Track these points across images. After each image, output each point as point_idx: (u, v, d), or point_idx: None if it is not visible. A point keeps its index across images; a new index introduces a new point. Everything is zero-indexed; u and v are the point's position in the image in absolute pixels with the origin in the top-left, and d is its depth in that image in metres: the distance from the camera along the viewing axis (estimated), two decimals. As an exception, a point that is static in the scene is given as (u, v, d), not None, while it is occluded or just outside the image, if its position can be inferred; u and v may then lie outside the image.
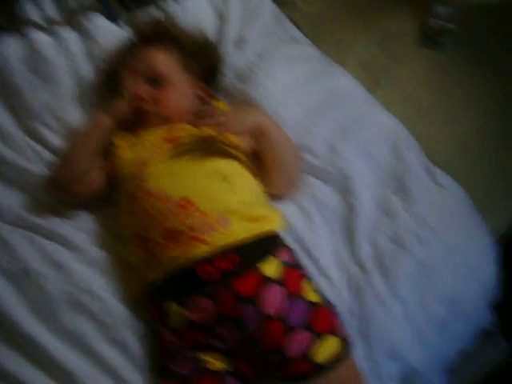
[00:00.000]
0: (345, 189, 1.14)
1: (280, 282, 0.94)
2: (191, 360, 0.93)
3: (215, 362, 0.93)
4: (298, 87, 1.25)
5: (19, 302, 1.01)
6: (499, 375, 1.53)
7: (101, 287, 1.03)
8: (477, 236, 1.15)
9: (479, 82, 1.38)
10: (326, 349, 0.93)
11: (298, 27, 1.42)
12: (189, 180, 1.00)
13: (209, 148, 1.06)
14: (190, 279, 0.93)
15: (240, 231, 0.95)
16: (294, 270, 1.00)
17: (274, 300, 0.93)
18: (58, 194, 1.11)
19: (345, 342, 0.97)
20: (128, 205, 1.03)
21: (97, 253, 1.08)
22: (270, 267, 0.95)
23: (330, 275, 1.06)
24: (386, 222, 1.12)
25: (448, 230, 1.12)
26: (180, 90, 1.17)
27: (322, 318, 0.97)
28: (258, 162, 1.12)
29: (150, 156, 1.05)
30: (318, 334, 0.95)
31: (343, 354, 0.95)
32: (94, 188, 1.09)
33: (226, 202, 0.98)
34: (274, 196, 1.13)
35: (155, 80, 1.14)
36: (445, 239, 1.10)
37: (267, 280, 0.93)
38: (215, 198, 0.98)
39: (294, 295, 0.95)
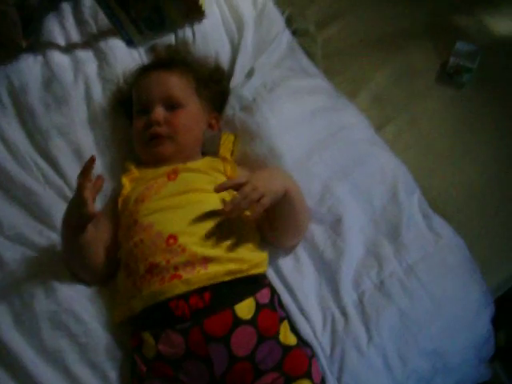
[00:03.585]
0: (335, 230, 1.11)
1: (253, 324, 0.94)
2: None
3: None
4: (303, 122, 1.23)
5: (4, 313, 1.05)
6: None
7: (84, 309, 1.05)
8: (470, 290, 1.09)
9: (494, 125, 1.32)
10: None
11: (313, 59, 1.41)
12: (180, 218, 1.01)
13: (206, 187, 1.06)
14: (166, 314, 0.94)
15: (220, 273, 0.96)
16: (271, 312, 0.99)
17: (243, 341, 0.93)
18: None
19: None
20: (123, 237, 1.06)
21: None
22: (244, 308, 0.94)
23: (311, 318, 1.04)
24: (373, 268, 1.08)
25: (438, 282, 1.07)
26: (194, 114, 1.19)
27: (296, 361, 0.96)
28: (269, 215, 1.08)
29: (147, 190, 1.08)
30: (290, 378, 0.94)
31: None
32: (99, 263, 1.08)
33: (213, 244, 0.99)
34: (272, 243, 1.11)
35: (170, 104, 1.16)
36: (433, 292, 1.05)
37: (239, 321, 0.93)
38: (202, 239, 0.99)
39: (267, 337, 0.95)
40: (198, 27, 1.39)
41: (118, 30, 1.35)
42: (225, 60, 1.38)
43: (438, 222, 1.16)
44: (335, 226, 1.12)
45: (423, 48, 1.46)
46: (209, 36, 1.39)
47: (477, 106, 1.35)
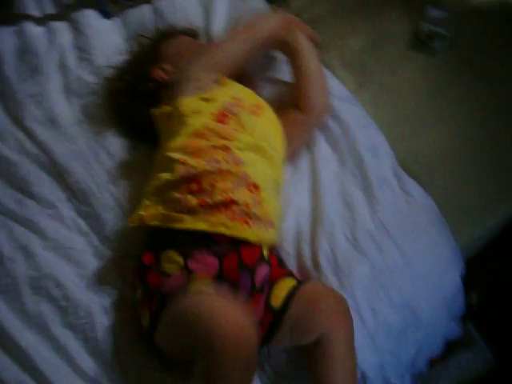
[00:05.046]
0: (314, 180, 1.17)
1: (268, 263, 1.02)
2: None
3: None
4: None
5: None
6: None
7: (64, 274, 1.07)
8: (440, 248, 1.14)
9: (466, 90, 1.34)
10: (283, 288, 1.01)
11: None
12: (264, 172, 1.04)
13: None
14: (205, 236, 0.96)
15: (272, 240, 1.04)
16: (275, 257, 1.08)
17: (262, 275, 1.00)
18: None
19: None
20: (193, 144, 1.02)
21: (67, 241, 1.13)
22: (265, 250, 1.02)
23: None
24: (347, 221, 1.13)
25: (409, 239, 1.12)
26: None
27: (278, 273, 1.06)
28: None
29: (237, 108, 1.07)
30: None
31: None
32: None
33: (276, 213, 1.05)
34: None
35: None
36: (404, 248, 1.10)
37: (263, 258, 1.00)
38: (274, 204, 1.04)
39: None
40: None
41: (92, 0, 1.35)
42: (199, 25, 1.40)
43: (410, 182, 1.20)
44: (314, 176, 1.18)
45: (395, 14, 1.46)
46: (182, 3, 1.39)
47: (450, 71, 1.37)
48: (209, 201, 0.96)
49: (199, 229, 0.95)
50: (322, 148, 1.22)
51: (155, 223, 0.99)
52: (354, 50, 1.41)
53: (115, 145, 1.22)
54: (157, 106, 1.12)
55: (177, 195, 0.98)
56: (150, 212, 1.00)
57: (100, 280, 1.10)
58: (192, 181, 0.98)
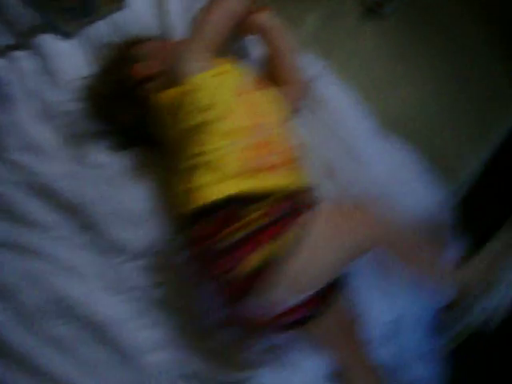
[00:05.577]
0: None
1: None
2: None
3: None
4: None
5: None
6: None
7: (78, 292, 1.10)
8: (429, 196, 1.20)
9: (425, 45, 1.42)
10: None
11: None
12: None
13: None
14: None
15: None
16: None
17: None
18: None
19: None
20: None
21: (71, 259, 1.15)
22: None
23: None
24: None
25: (398, 191, 1.17)
26: None
27: None
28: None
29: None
30: None
31: None
32: None
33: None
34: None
35: None
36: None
37: None
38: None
39: None
40: (127, 11, 1.41)
41: (49, 24, 1.36)
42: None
43: (393, 140, 1.26)
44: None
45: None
46: (137, 14, 1.42)
47: (406, 30, 1.44)
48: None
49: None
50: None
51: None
52: (310, 28, 1.46)
53: (100, 159, 1.24)
54: (144, 102, 1.14)
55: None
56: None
57: (115, 288, 1.11)
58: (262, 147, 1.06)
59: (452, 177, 1.28)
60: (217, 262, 0.96)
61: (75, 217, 1.18)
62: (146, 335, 1.09)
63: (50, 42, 1.38)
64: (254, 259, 0.93)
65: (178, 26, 1.42)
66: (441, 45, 1.43)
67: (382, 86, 1.39)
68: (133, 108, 1.17)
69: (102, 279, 1.13)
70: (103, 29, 1.42)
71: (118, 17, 1.42)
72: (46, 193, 1.20)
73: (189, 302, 1.12)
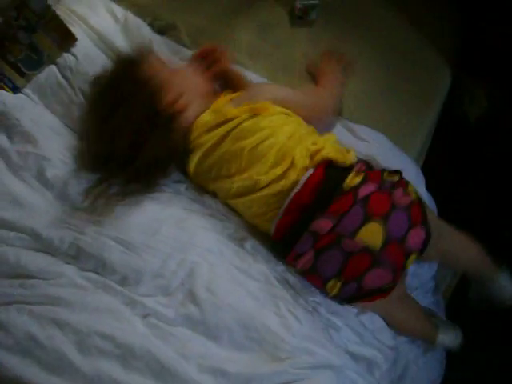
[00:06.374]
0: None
1: None
2: None
3: None
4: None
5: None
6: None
7: (104, 326, 1.12)
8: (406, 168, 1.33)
9: (355, 41, 1.56)
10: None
11: (185, 44, 1.55)
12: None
13: None
14: None
15: None
16: None
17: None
18: None
19: None
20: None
21: (87, 298, 1.16)
22: None
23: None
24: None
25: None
26: None
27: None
28: None
29: None
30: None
31: None
32: None
33: None
34: None
35: None
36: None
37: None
38: None
39: None
40: (75, 50, 1.44)
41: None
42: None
43: (361, 129, 1.40)
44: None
45: (270, 2, 1.65)
46: (89, 53, 1.45)
47: (335, 31, 1.58)
48: None
49: None
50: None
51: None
52: (246, 41, 1.57)
53: (91, 197, 1.27)
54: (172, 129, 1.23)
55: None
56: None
57: (138, 312, 1.15)
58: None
59: (410, 145, 1.45)
60: None
61: (77, 258, 1.22)
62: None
63: (3, 97, 1.38)
64: None
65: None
66: (370, 38, 1.59)
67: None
68: (167, 135, 1.23)
69: (121, 308, 1.16)
70: (52, 75, 1.43)
71: (65, 60, 1.44)
72: (41, 243, 1.23)
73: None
